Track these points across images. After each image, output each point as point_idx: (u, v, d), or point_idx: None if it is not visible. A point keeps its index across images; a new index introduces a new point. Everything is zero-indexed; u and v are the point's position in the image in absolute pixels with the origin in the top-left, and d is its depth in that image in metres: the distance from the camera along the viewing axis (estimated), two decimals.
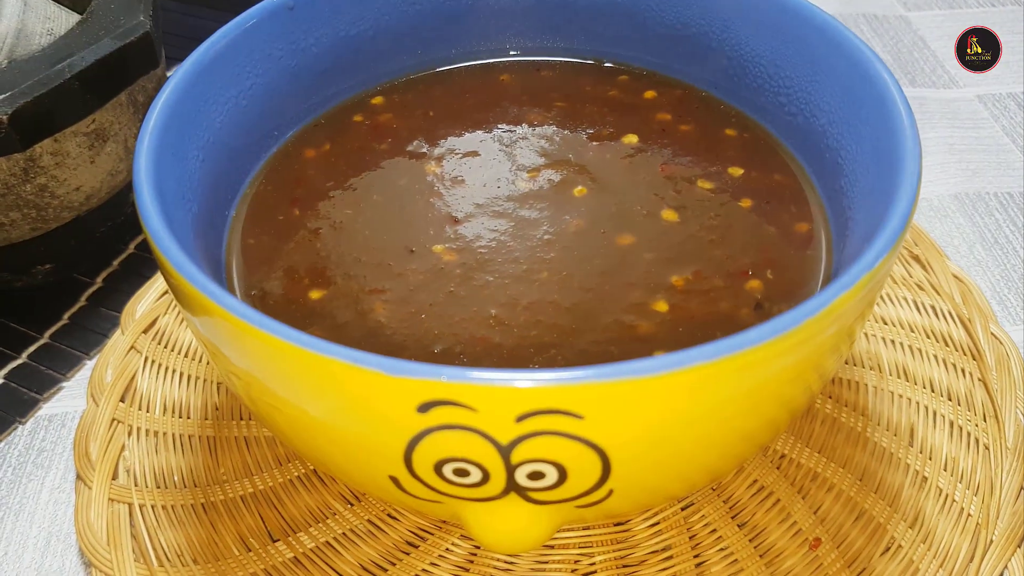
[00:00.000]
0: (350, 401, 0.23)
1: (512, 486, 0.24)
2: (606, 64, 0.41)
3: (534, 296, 0.31)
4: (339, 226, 0.34)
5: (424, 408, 0.22)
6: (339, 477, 0.34)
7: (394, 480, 0.25)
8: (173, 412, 0.39)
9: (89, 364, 0.43)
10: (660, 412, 0.23)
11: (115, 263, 0.48)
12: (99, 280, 0.47)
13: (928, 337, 0.40)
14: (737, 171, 0.35)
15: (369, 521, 0.35)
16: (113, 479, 0.36)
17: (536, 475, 0.24)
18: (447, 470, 0.24)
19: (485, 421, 0.22)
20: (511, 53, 0.42)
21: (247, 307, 0.23)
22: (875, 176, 0.30)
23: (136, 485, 0.36)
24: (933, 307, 0.42)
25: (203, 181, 0.32)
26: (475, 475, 0.24)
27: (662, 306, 0.30)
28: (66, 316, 0.45)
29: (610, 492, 0.25)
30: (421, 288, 0.31)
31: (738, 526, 0.34)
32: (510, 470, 0.24)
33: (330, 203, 0.35)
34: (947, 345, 0.40)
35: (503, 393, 0.22)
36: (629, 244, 0.33)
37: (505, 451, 0.23)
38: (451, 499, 0.25)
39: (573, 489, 0.24)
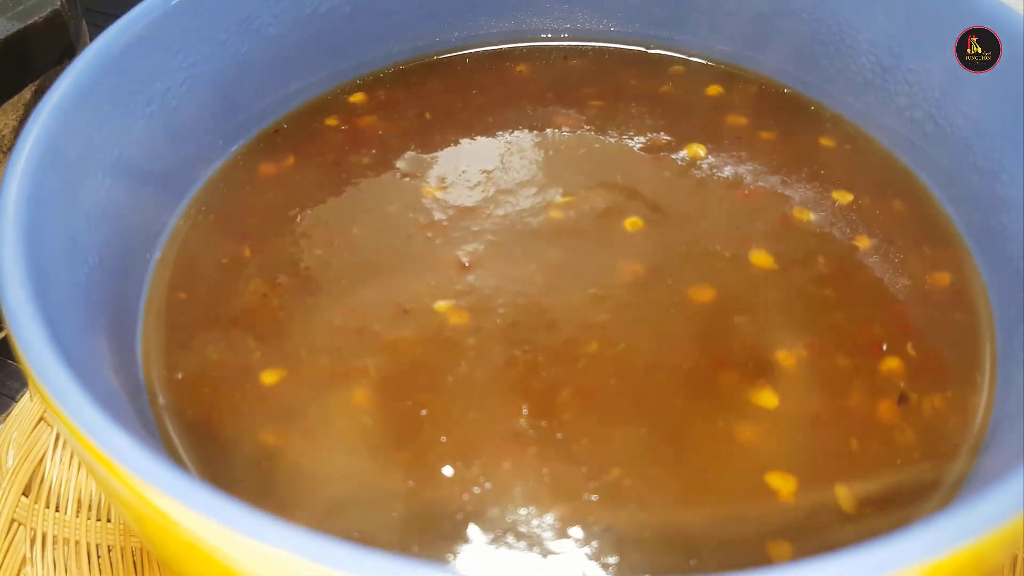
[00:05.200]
0: None
1: None
2: (654, 50, 0.34)
3: (581, 381, 0.23)
4: (305, 273, 0.27)
5: None
6: None
7: None
8: (89, 512, 0.31)
9: None
10: None
11: None
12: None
13: None
14: (844, 196, 0.27)
15: None
16: None
17: None
18: None
19: None
20: (530, 36, 0.35)
21: (145, 456, 0.14)
22: None
23: None
24: None
25: (110, 214, 0.25)
26: None
27: (768, 398, 0.22)
28: None
29: None
30: (419, 367, 0.24)
31: None
32: None
33: (293, 239, 0.28)
34: None
35: None
36: (709, 301, 0.25)
37: None
38: None
39: None
